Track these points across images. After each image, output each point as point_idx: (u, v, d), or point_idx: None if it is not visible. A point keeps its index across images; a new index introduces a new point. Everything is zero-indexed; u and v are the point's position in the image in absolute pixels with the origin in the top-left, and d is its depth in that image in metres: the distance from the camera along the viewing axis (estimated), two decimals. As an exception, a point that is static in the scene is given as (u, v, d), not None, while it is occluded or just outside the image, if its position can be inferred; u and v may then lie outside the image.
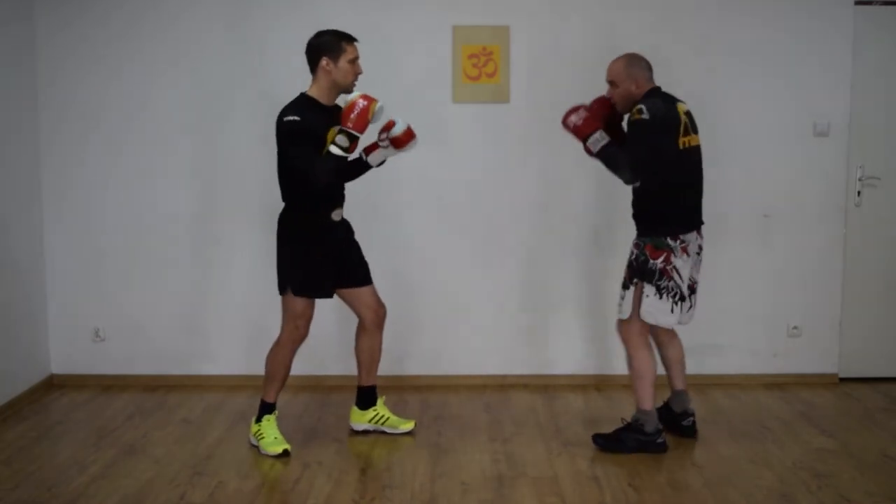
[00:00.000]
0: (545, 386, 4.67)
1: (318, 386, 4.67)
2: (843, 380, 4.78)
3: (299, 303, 3.68)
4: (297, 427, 4.07)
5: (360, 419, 3.98)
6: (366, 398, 3.98)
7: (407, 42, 4.56)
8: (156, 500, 3.29)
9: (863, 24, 4.61)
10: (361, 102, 3.48)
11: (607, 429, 4.02)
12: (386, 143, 3.65)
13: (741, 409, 4.34)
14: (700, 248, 3.74)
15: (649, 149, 3.52)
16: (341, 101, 3.64)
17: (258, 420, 3.81)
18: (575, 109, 3.66)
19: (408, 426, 3.98)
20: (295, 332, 3.71)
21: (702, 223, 3.75)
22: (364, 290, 3.87)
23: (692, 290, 3.73)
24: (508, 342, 4.73)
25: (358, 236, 3.88)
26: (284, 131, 3.52)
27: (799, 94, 4.62)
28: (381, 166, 3.80)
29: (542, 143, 4.59)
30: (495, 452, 3.76)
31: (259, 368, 4.68)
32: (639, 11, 4.57)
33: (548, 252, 4.69)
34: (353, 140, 3.48)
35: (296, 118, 3.50)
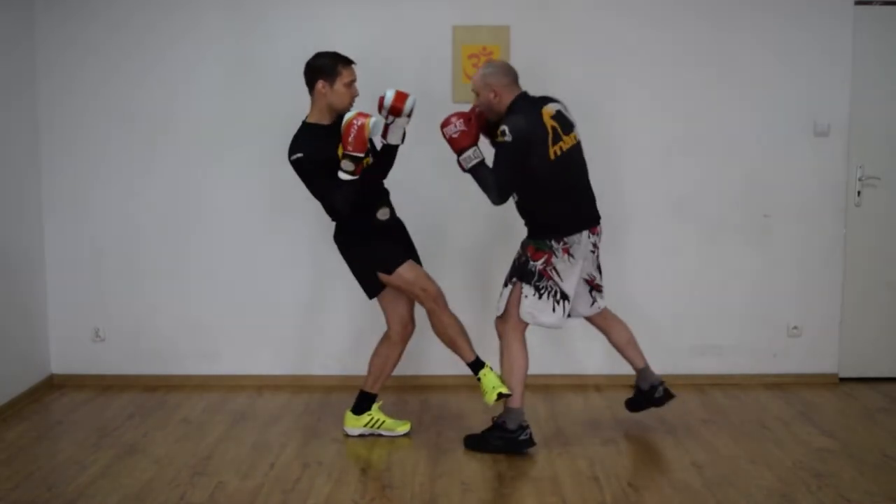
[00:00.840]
0: (545, 386, 4.66)
1: (318, 386, 4.67)
2: (843, 380, 4.78)
3: (406, 272, 3.69)
4: (297, 427, 4.07)
5: (355, 424, 3.96)
6: (363, 403, 3.97)
7: (407, 42, 4.56)
8: (156, 500, 3.28)
9: (863, 24, 4.61)
10: (357, 122, 3.46)
11: (607, 428, 4.04)
12: (390, 118, 3.64)
13: (741, 409, 4.34)
14: (595, 245, 3.77)
15: (514, 170, 3.55)
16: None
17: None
18: (449, 122, 3.63)
19: (404, 428, 3.98)
20: (430, 291, 3.70)
21: (595, 222, 3.76)
22: (406, 299, 3.86)
23: (594, 286, 3.82)
24: (508, 342, 4.73)
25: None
26: (296, 170, 3.57)
27: (799, 95, 4.62)
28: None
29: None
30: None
31: (258, 368, 4.73)
32: (639, 11, 4.57)
33: (548, 252, 4.68)
34: (358, 162, 3.48)
35: (300, 155, 3.52)
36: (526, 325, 3.75)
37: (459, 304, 4.62)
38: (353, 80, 3.64)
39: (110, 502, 3.26)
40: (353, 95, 3.66)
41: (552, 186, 3.61)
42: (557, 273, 3.65)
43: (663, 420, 4.09)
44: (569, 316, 3.80)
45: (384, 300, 3.85)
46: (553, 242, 3.63)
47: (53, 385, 4.72)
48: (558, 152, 3.57)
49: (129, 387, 4.69)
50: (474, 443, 3.77)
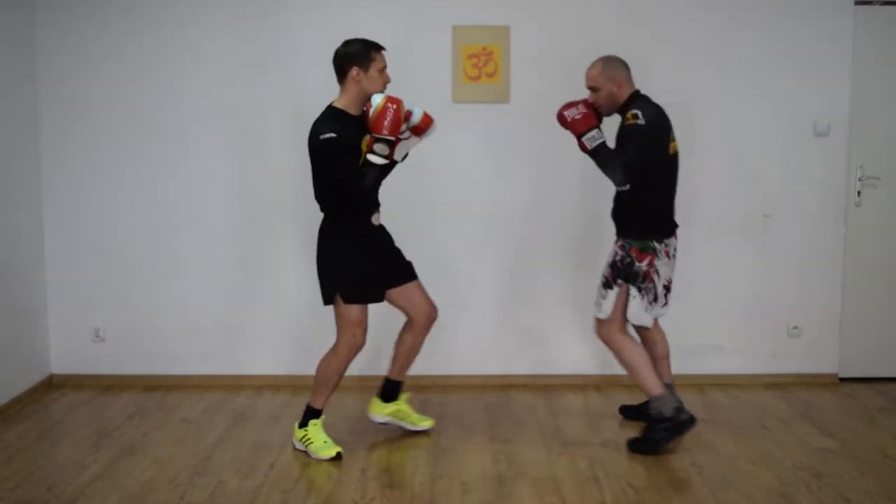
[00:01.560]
0: (545, 386, 4.67)
1: (318, 386, 4.67)
2: (843, 380, 4.78)
3: (354, 310, 3.65)
4: (297, 427, 4.07)
5: (381, 411, 3.97)
6: (390, 391, 3.97)
7: (407, 42, 4.56)
8: (156, 500, 3.29)
9: (863, 24, 4.61)
10: (391, 106, 3.43)
11: (607, 428, 4.04)
12: (407, 134, 3.62)
13: (741, 409, 4.34)
14: (675, 249, 3.82)
15: (642, 153, 3.55)
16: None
17: (303, 425, 3.78)
18: (572, 104, 3.65)
19: (427, 424, 3.99)
20: (353, 339, 3.67)
21: (677, 226, 3.83)
22: (412, 287, 3.84)
23: (667, 289, 3.83)
24: (508, 342, 4.73)
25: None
26: (323, 150, 3.49)
27: (799, 94, 4.62)
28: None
29: (542, 144, 4.59)
30: (495, 452, 3.76)
31: (258, 368, 4.73)
32: (639, 10, 4.58)
33: (548, 252, 4.69)
34: (392, 146, 3.46)
35: (332, 135, 3.46)
36: (625, 324, 3.75)
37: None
38: (385, 66, 3.62)
39: (110, 502, 3.26)
40: (386, 81, 3.63)
41: (664, 181, 3.67)
42: (658, 274, 3.69)
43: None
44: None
45: (396, 299, 3.84)
46: (656, 244, 3.67)
47: (53, 385, 4.72)
48: (672, 150, 3.67)
49: (129, 387, 4.69)
50: (643, 446, 3.72)
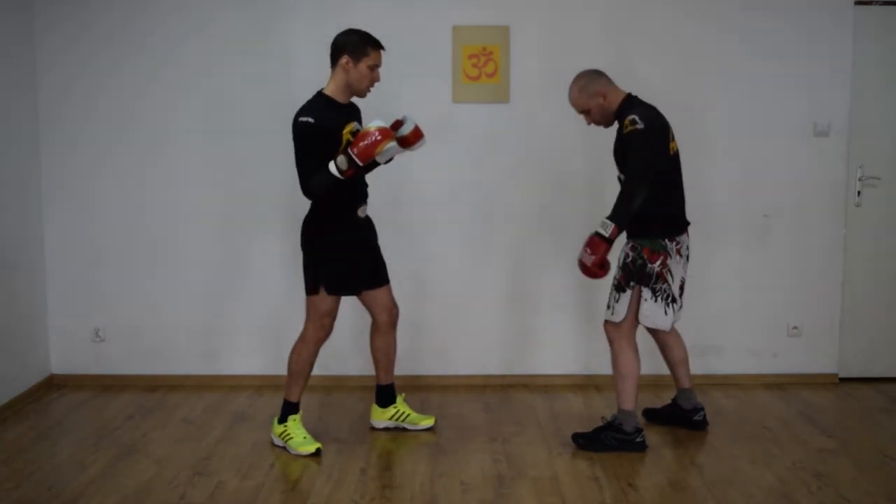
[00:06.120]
0: (545, 386, 4.67)
1: (317, 386, 4.66)
2: (843, 380, 4.78)
3: (328, 301, 3.68)
4: (297, 427, 4.07)
5: (381, 417, 4.01)
6: (385, 396, 4.01)
7: (407, 42, 4.56)
8: (156, 500, 3.29)
9: (863, 24, 4.61)
10: (376, 135, 3.43)
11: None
12: (384, 158, 3.59)
13: (741, 409, 4.34)
14: (688, 248, 3.80)
15: (651, 157, 3.53)
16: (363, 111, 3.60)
17: (282, 420, 3.79)
18: (581, 260, 3.56)
19: (428, 422, 4.01)
20: (321, 330, 3.72)
21: (688, 223, 3.80)
22: (381, 290, 3.88)
23: (681, 289, 3.79)
24: (508, 342, 4.73)
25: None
26: (298, 131, 3.51)
27: (799, 94, 4.62)
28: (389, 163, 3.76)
29: (542, 144, 4.59)
30: (495, 452, 3.76)
31: (258, 368, 4.73)
32: (638, 11, 4.58)
33: (547, 252, 4.69)
34: (353, 166, 3.45)
35: (310, 120, 3.48)
36: (636, 328, 3.73)
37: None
38: (378, 65, 3.62)
39: (110, 502, 3.26)
40: (374, 80, 3.63)
41: (668, 181, 3.65)
42: (671, 274, 3.66)
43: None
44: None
45: (364, 298, 3.87)
46: (667, 242, 3.64)
47: (53, 385, 4.72)
48: (673, 149, 3.65)
49: (128, 387, 4.69)
50: (587, 442, 3.75)
